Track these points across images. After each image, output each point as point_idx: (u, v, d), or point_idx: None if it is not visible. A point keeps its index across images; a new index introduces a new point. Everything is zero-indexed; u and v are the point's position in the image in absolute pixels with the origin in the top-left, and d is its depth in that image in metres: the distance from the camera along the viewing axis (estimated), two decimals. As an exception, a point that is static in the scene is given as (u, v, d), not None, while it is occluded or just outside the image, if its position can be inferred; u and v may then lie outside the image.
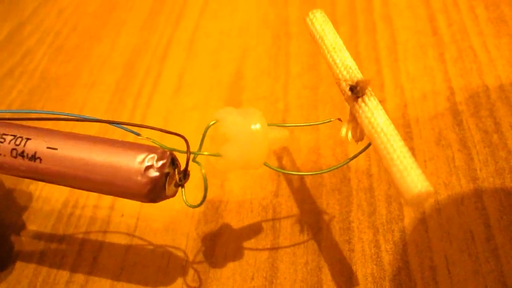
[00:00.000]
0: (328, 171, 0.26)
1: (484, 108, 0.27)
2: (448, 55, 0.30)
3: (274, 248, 0.24)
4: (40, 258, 0.25)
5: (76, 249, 0.26)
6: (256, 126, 0.20)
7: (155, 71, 0.36)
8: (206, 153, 0.20)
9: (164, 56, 0.37)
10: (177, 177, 0.20)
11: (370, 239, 0.23)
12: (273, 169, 0.21)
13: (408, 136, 0.27)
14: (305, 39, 0.35)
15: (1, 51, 0.41)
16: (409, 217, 0.23)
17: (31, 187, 0.29)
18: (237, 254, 0.24)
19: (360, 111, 0.18)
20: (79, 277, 0.24)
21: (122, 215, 0.27)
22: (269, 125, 0.20)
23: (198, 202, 0.20)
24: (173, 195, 0.20)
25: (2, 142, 0.20)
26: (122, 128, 0.20)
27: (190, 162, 0.19)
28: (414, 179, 0.15)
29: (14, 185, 0.29)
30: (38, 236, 0.26)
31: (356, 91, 0.18)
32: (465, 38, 0.31)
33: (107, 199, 0.28)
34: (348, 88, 0.18)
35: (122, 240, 0.26)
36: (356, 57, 0.32)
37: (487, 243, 0.22)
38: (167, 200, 0.26)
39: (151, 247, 0.25)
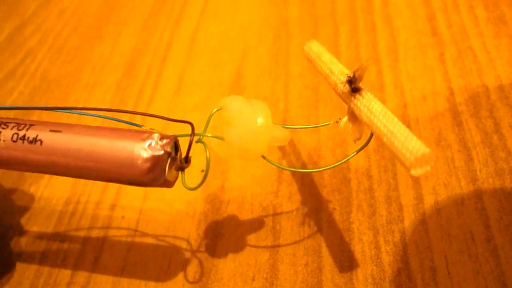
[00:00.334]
0: (326, 169, 0.25)
1: (484, 108, 0.27)
2: (448, 55, 0.30)
3: (274, 249, 0.24)
4: (42, 259, 0.26)
5: (77, 250, 0.26)
6: (261, 119, 0.20)
7: (156, 71, 0.36)
8: (209, 135, 0.20)
9: (164, 56, 0.37)
10: (179, 159, 0.19)
11: (370, 240, 0.23)
12: (270, 162, 0.21)
13: (408, 137, 0.27)
14: (305, 39, 0.35)
15: (2, 51, 0.41)
16: (409, 218, 0.24)
17: (32, 188, 0.29)
18: (237, 255, 0.24)
19: (359, 103, 0.19)
20: (81, 278, 0.25)
21: (123, 217, 0.27)
22: (274, 124, 0.21)
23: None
24: (173, 181, 0.19)
25: (4, 128, 0.19)
26: (126, 122, 0.20)
27: (194, 158, 0.20)
28: (416, 145, 0.16)
29: (15, 186, 0.29)
30: (39, 237, 0.27)
31: (354, 80, 0.19)
32: (465, 39, 0.31)
33: (108, 199, 0.28)
34: (346, 83, 0.19)
35: (123, 240, 0.26)
36: (356, 57, 0.32)
37: (487, 243, 0.22)
38: (168, 201, 0.26)
39: (152, 247, 0.25)
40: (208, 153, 0.20)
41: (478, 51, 0.30)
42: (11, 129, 0.19)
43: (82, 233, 0.26)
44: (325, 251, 0.23)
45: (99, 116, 0.21)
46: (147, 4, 0.43)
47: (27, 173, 0.30)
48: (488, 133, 0.26)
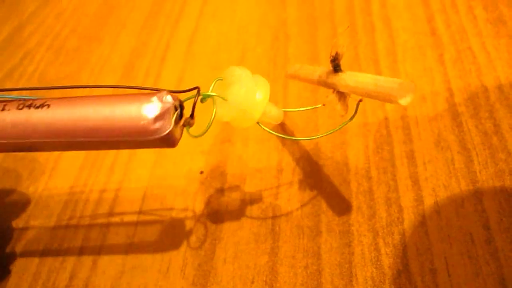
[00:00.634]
0: (325, 135, 0.26)
1: (483, 109, 0.27)
2: (447, 56, 0.30)
3: (273, 252, 0.24)
4: (40, 263, 0.25)
5: (75, 253, 0.26)
6: (260, 95, 0.21)
7: (154, 72, 0.36)
8: (214, 94, 0.21)
9: (163, 57, 0.37)
10: (185, 116, 0.19)
11: (370, 242, 0.23)
12: (264, 128, 0.22)
13: (407, 138, 0.27)
14: (303, 40, 0.35)
15: (1, 52, 0.41)
16: (409, 220, 0.23)
17: (30, 190, 0.29)
18: (237, 257, 0.24)
19: (343, 76, 0.21)
20: (79, 282, 0.24)
21: (122, 219, 0.27)
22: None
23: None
24: (177, 138, 0.19)
25: (10, 101, 0.19)
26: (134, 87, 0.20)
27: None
28: (393, 79, 0.19)
29: (13, 187, 0.29)
30: (38, 240, 0.26)
31: (336, 58, 0.21)
32: (464, 39, 0.31)
33: (107, 201, 0.28)
34: (330, 63, 0.22)
35: (121, 244, 0.26)
36: (355, 58, 0.32)
37: (487, 245, 0.22)
38: (166, 203, 0.26)
39: (150, 250, 0.25)
40: (214, 106, 0.21)
41: (478, 52, 0.30)
42: (18, 101, 0.19)
43: (80, 236, 0.26)
44: (324, 253, 0.23)
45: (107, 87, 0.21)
46: (145, 5, 0.43)
47: (25, 175, 0.30)
48: (488, 134, 0.26)
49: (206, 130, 0.20)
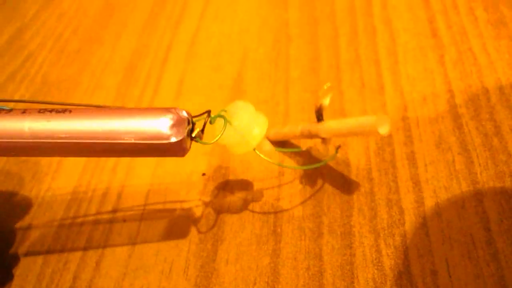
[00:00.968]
0: (310, 167, 0.27)
1: (484, 111, 0.27)
2: (448, 58, 0.30)
3: (275, 253, 0.24)
4: (43, 264, 0.26)
5: (79, 255, 0.26)
6: (256, 131, 0.23)
7: (156, 74, 0.36)
8: (222, 115, 0.22)
9: (165, 59, 0.37)
10: (196, 131, 0.21)
11: (371, 244, 0.23)
12: (261, 155, 0.23)
13: (408, 140, 0.27)
14: (305, 42, 0.35)
15: (3, 55, 0.41)
16: (410, 222, 0.24)
17: (33, 192, 0.29)
18: (239, 259, 0.24)
19: (327, 123, 0.24)
20: (82, 283, 0.25)
21: (124, 221, 0.27)
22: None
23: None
24: (187, 149, 0.21)
25: (29, 109, 0.20)
26: None
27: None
28: (369, 116, 0.22)
29: (16, 190, 0.29)
30: (41, 241, 0.27)
31: (320, 110, 0.24)
32: (464, 40, 0.31)
33: (110, 203, 0.28)
34: (315, 113, 0.25)
35: (124, 245, 0.26)
36: (356, 59, 0.32)
37: (487, 246, 0.22)
38: (169, 205, 0.26)
39: (153, 252, 0.25)
40: (225, 120, 0.22)
41: (478, 53, 0.30)
42: (38, 111, 0.20)
43: (83, 238, 0.26)
44: (326, 254, 0.23)
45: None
46: (146, 7, 0.43)
47: (28, 177, 0.30)
48: (488, 136, 0.26)
49: (219, 137, 0.22)
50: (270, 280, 0.23)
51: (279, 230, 0.25)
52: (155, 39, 0.39)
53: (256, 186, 0.27)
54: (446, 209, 0.24)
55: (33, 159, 0.31)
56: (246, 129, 0.23)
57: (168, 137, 0.20)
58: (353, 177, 0.26)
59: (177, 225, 0.26)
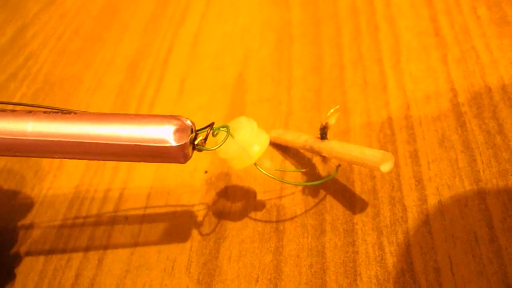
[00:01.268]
0: (310, 184, 0.26)
1: (487, 109, 0.27)
2: (451, 56, 0.30)
3: (278, 251, 0.24)
4: (45, 262, 0.26)
5: (81, 252, 0.26)
6: (256, 147, 0.23)
7: (158, 74, 0.36)
8: (224, 128, 0.22)
9: (166, 59, 0.37)
10: (199, 140, 0.21)
11: (374, 241, 0.23)
12: (260, 170, 0.23)
13: (411, 138, 0.27)
14: (307, 42, 0.35)
15: (5, 54, 0.41)
16: (412, 219, 0.24)
17: (35, 190, 0.29)
18: (241, 256, 0.24)
19: (331, 143, 0.24)
20: (84, 280, 0.25)
21: (127, 219, 0.27)
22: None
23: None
24: (188, 156, 0.21)
25: (33, 111, 0.20)
26: None
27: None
28: (374, 151, 0.22)
29: (18, 188, 0.29)
30: (43, 239, 0.27)
31: (325, 127, 0.24)
32: (467, 39, 0.31)
33: (112, 201, 0.28)
34: (319, 130, 0.25)
35: (127, 242, 0.26)
36: (358, 58, 0.32)
37: (490, 244, 0.22)
38: (171, 202, 0.26)
39: (156, 249, 0.25)
40: (228, 130, 0.22)
41: (481, 52, 0.30)
42: (44, 112, 0.20)
43: (85, 235, 0.26)
44: (329, 252, 0.23)
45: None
46: (149, 7, 0.43)
47: (30, 175, 0.30)
48: (491, 134, 0.26)
49: (221, 144, 0.22)
50: (272, 277, 0.23)
51: (281, 227, 0.25)
52: (157, 39, 0.39)
53: (259, 183, 0.27)
54: (449, 207, 0.24)
55: (35, 157, 0.31)
56: (247, 144, 0.23)
57: (170, 141, 0.20)
58: (355, 175, 0.26)
59: (179, 222, 0.26)
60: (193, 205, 0.27)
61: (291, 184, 0.26)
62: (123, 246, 0.26)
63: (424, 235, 0.23)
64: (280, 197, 0.26)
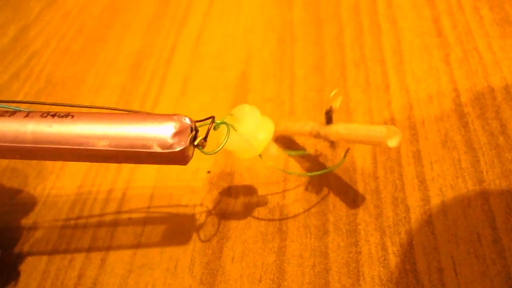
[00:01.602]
0: (316, 174, 0.26)
1: (489, 110, 0.27)
2: (453, 57, 0.30)
3: (281, 251, 0.24)
4: (48, 261, 0.26)
5: (84, 252, 0.26)
6: (262, 136, 0.23)
7: (160, 74, 0.36)
8: (226, 122, 0.22)
9: (169, 59, 0.37)
10: (198, 139, 0.20)
11: (377, 242, 0.23)
12: (265, 161, 0.23)
13: (413, 138, 0.27)
14: (309, 41, 0.35)
15: (7, 53, 0.41)
16: (415, 220, 0.24)
17: (38, 189, 0.29)
18: (244, 256, 0.24)
19: (336, 126, 0.24)
20: (87, 280, 0.25)
21: (130, 219, 0.27)
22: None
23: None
24: (189, 157, 0.20)
25: (32, 111, 0.20)
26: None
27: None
28: (381, 127, 0.21)
29: (21, 187, 0.30)
30: (46, 239, 0.27)
31: (330, 111, 0.24)
32: (470, 40, 0.31)
33: (115, 201, 0.28)
34: (324, 115, 0.24)
35: (129, 242, 0.26)
36: (361, 58, 0.32)
37: (494, 245, 0.22)
38: (174, 203, 0.26)
39: (158, 249, 0.25)
40: (228, 128, 0.22)
41: (484, 52, 0.30)
42: (41, 113, 0.20)
43: (88, 235, 0.26)
44: (332, 252, 0.23)
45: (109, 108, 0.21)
46: (151, 7, 0.43)
47: (33, 174, 0.30)
48: (494, 134, 0.26)
49: (220, 148, 0.21)
50: (275, 277, 0.23)
51: (284, 227, 0.25)
52: (159, 39, 0.39)
53: (262, 183, 0.27)
54: (452, 207, 0.24)
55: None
56: (252, 135, 0.22)
57: (169, 147, 0.19)
58: (358, 175, 0.26)
59: (182, 222, 0.26)
60: (195, 205, 0.27)
61: (299, 175, 0.26)
62: (126, 246, 0.26)
63: (427, 235, 0.23)
64: (283, 197, 0.26)
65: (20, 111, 0.20)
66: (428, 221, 0.23)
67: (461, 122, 0.27)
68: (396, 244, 0.23)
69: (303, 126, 0.26)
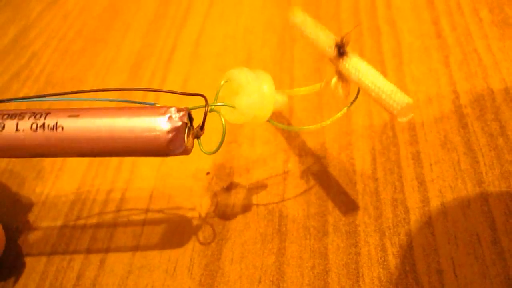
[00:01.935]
0: (329, 122, 0.25)
1: (489, 111, 0.27)
2: (453, 58, 0.30)
3: (280, 252, 0.24)
4: (47, 262, 0.26)
5: (83, 253, 0.26)
6: (266, 87, 0.22)
7: (160, 74, 0.36)
8: (222, 103, 0.21)
9: (169, 60, 0.37)
10: (194, 129, 0.20)
11: (377, 243, 0.23)
12: (275, 124, 0.23)
13: (413, 140, 0.27)
14: (309, 43, 0.35)
15: (7, 54, 0.41)
16: (415, 221, 0.24)
17: (37, 190, 0.29)
18: (243, 257, 0.24)
19: (347, 65, 0.21)
20: (86, 281, 0.25)
21: (129, 219, 0.27)
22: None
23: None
24: (190, 148, 0.20)
25: (20, 119, 0.20)
26: (138, 102, 0.21)
27: (207, 121, 0.20)
28: (401, 96, 0.19)
29: (20, 187, 0.29)
30: (45, 240, 0.27)
31: (342, 46, 0.21)
32: (469, 41, 0.31)
33: (114, 201, 0.28)
34: (334, 47, 0.21)
35: (129, 243, 0.26)
36: (361, 60, 0.32)
37: (493, 246, 0.22)
38: (173, 204, 0.26)
39: (158, 250, 0.25)
40: (223, 120, 0.21)
41: (483, 54, 0.30)
42: (28, 119, 0.20)
43: (87, 236, 0.26)
44: (331, 253, 0.23)
45: (112, 100, 0.22)
46: (151, 8, 0.43)
47: (32, 175, 0.30)
48: (493, 136, 0.26)
49: (219, 148, 0.21)
50: (275, 278, 0.23)
51: (284, 229, 0.25)
52: (159, 39, 0.39)
53: (261, 184, 0.27)
54: (452, 209, 0.24)
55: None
56: (253, 108, 0.21)
57: (168, 153, 0.19)
58: (358, 176, 0.26)
59: (181, 224, 0.26)
60: (195, 206, 0.27)
61: (307, 128, 0.25)
62: (125, 247, 0.26)
63: (426, 236, 0.23)
64: (282, 199, 0.26)
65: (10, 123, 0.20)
66: (428, 222, 0.23)
67: (461, 123, 0.27)
68: (396, 245, 0.23)
69: (326, 36, 0.22)
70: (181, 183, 0.28)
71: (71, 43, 0.41)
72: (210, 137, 0.21)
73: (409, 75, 0.30)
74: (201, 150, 0.21)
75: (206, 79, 0.35)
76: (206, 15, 0.40)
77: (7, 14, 0.46)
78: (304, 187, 0.26)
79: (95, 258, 0.25)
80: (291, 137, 0.29)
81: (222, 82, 0.22)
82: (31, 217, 0.28)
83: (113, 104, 0.29)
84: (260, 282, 0.23)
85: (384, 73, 0.31)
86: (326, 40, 0.22)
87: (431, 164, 0.26)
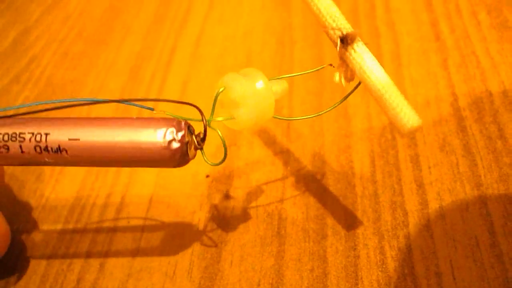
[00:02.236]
0: (330, 109, 0.24)
1: (487, 114, 0.27)
2: (451, 61, 0.30)
3: (279, 255, 0.24)
4: (47, 265, 0.26)
5: (83, 256, 0.26)
6: (260, 84, 0.21)
7: (160, 76, 0.36)
8: (220, 118, 0.21)
9: (169, 62, 0.37)
10: (195, 141, 0.20)
11: (375, 246, 0.23)
12: (280, 118, 0.23)
13: (412, 142, 0.27)
14: (309, 45, 0.35)
15: (8, 57, 0.41)
16: (414, 224, 0.24)
17: (38, 193, 0.29)
18: (243, 260, 0.24)
19: (351, 57, 0.19)
20: (86, 284, 0.25)
21: (129, 222, 0.27)
22: (269, 79, 0.22)
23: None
24: (194, 156, 0.21)
25: (22, 141, 0.20)
26: (136, 105, 0.22)
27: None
28: (406, 114, 0.18)
29: (21, 190, 0.30)
30: (45, 243, 0.27)
31: (346, 41, 0.19)
32: (468, 44, 0.31)
33: (114, 204, 0.28)
34: (337, 39, 0.19)
35: (128, 246, 0.26)
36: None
37: (492, 249, 0.22)
38: (173, 207, 0.26)
39: (157, 253, 0.25)
40: (221, 135, 0.21)
41: (482, 57, 0.30)
42: (30, 141, 0.20)
43: (87, 239, 0.26)
44: (330, 256, 0.23)
45: (112, 101, 0.23)
46: (151, 10, 0.43)
47: (32, 178, 0.30)
48: (492, 139, 0.26)
49: (223, 159, 0.21)
50: (274, 281, 0.23)
51: (283, 232, 0.25)
52: (159, 41, 0.39)
53: (260, 188, 0.27)
54: (450, 211, 0.24)
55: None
56: (256, 114, 0.21)
57: (173, 166, 0.20)
58: (356, 179, 0.26)
59: (181, 227, 0.26)
60: (194, 209, 0.27)
61: (309, 117, 0.25)
62: (125, 250, 0.26)
63: (425, 239, 0.23)
64: (281, 201, 0.26)
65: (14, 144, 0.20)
66: (426, 225, 0.23)
67: (459, 126, 0.27)
68: (395, 248, 0.23)
69: (321, 14, 0.20)
70: (180, 186, 0.28)
71: (71, 45, 0.41)
72: (209, 138, 0.21)
73: (408, 77, 0.30)
74: (206, 161, 0.21)
75: (206, 80, 0.35)
76: (206, 17, 0.41)
77: (8, 17, 0.46)
78: (303, 190, 0.26)
79: (95, 261, 0.25)
80: (291, 140, 0.29)
81: (216, 94, 0.21)
82: (31, 220, 0.28)
83: (112, 108, 0.29)
84: (259, 285, 0.23)
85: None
86: (328, 17, 0.20)
87: (429, 167, 0.26)
